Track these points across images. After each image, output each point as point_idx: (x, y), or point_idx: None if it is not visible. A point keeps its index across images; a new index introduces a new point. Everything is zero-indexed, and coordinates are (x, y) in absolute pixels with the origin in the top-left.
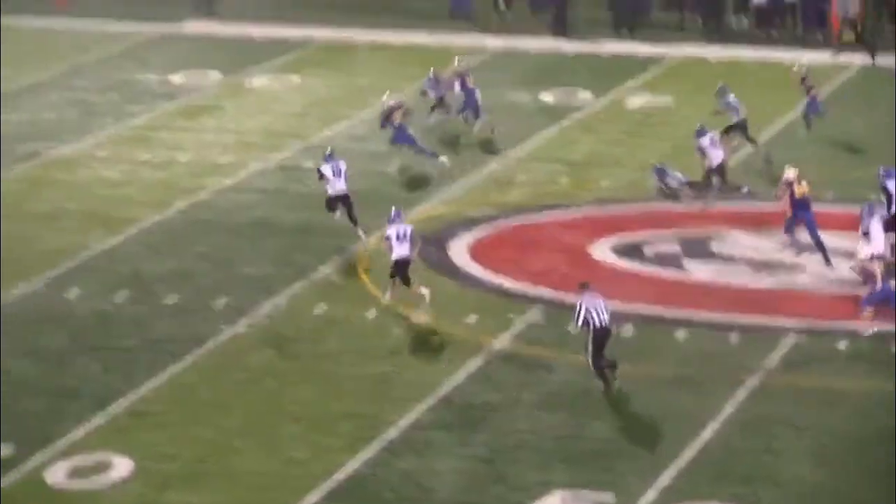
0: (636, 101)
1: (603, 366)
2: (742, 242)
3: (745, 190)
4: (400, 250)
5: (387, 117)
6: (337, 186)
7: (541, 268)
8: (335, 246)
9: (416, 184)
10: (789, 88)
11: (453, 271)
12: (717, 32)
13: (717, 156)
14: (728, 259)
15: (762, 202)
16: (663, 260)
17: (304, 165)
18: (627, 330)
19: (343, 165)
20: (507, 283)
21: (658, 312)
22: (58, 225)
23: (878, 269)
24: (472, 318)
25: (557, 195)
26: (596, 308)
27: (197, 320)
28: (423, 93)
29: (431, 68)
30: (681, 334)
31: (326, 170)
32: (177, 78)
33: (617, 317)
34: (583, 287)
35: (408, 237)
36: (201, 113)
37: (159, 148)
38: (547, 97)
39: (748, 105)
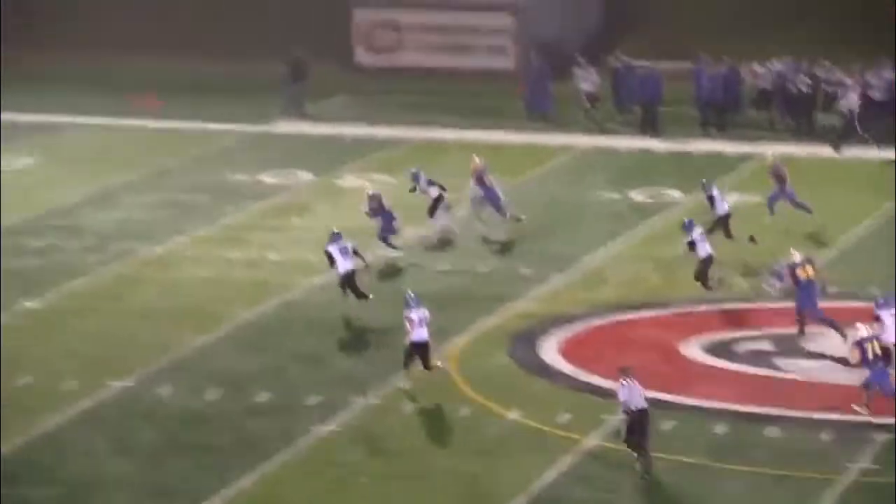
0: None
1: (639, 447)
2: (833, 340)
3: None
4: (420, 333)
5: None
6: (345, 266)
7: (631, 366)
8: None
9: (507, 282)
10: (876, 189)
11: (544, 369)
12: (808, 132)
13: (704, 249)
14: (819, 357)
15: (851, 301)
16: (754, 358)
17: (399, 264)
18: (720, 428)
19: (349, 245)
20: (599, 381)
21: (750, 410)
22: (151, 323)
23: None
24: (563, 417)
25: (648, 293)
26: (634, 393)
27: (288, 418)
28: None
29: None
30: (773, 431)
31: (334, 251)
32: (268, 178)
33: (708, 414)
34: (623, 372)
35: (426, 322)
36: (292, 212)
37: (250, 247)
38: (637, 196)
39: (833, 204)
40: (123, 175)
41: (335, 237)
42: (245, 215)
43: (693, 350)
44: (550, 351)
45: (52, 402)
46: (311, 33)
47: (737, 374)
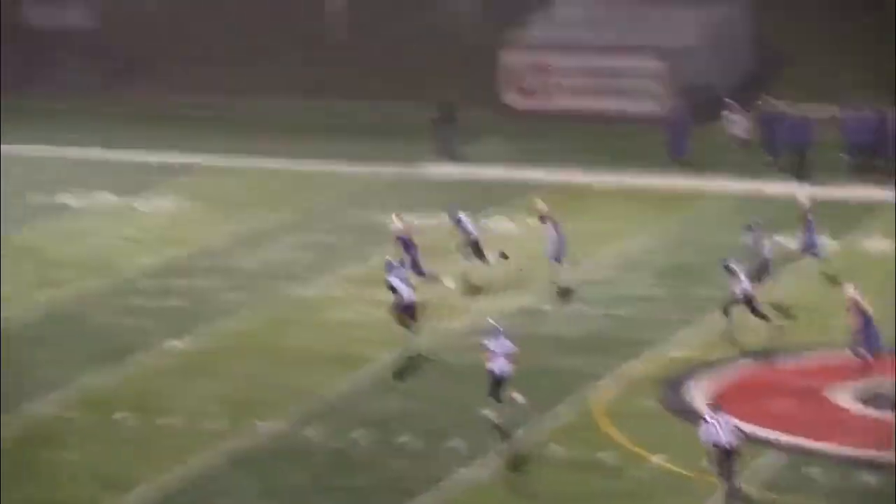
0: (877, 246)
1: (728, 480)
2: None
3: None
4: (498, 365)
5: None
6: (407, 296)
7: (779, 412)
8: (571, 388)
9: (653, 326)
10: None
11: (692, 414)
12: None
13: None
14: None
15: None
16: None
17: (543, 308)
18: (869, 478)
19: (405, 275)
20: (745, 426)
21: None
22: (299, 364)
23: None
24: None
25: (796, 339)
26: (724, 429)
27: (433, 461)
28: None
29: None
30: None
31: (395, 281)
32: (415, 219)
33: (857, 463)
34: (714, 408)
35: (510, 355)
36: (435, 255)
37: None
38: (784, 241)
39: None
40: (273, 216)
41: (391, 268)
42: (391, 257)
43: (843, 397)
44: (697, 395)
45: (200, 443)
46: (461, 76)
47: (888, 421)
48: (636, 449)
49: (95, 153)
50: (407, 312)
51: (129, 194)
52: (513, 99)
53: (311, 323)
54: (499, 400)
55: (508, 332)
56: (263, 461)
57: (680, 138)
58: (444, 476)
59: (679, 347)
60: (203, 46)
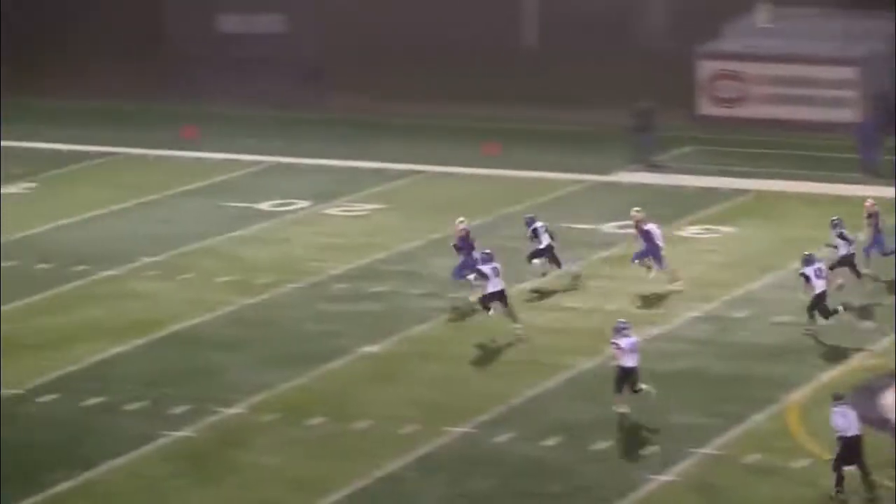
0: None
1: (842, 473)
2: None
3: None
4: (629, 359)
5: (463, 244)
6: (496, 285)
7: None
8: (767, 396)
9: (847, 335)
10: None
11: (884, 423)
12: None
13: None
14: None
15: None
16: None
17: (734, 315)
18: None
19: (498, 265)
20: None
21: None
22: (488, 370)
23: None
24: None
25: None
26: (850, 419)
27: (624, 468)
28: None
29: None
30: None
31: (487, 270)
32: (608, 227)
33: None
34: (837, 399)
35: (636, 348)
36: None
37: (589, 296)
38: None
39: None
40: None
41: (486, 258)
42: (585, 264)
43: None
44: (891, 405)
45: (391, 447)
46: (657, 84)
47: None
48: (827, 456)
49: (289, 160)
50: (497, 300)
51: (323, 201)
52: (707, 107)
53: (503, 329)
54: (620, 392)
55: (698, 338)
56: (454, 466)
57: (871, 147)
58: (638, 484)
59: (875, 356)
60: (394, 52)
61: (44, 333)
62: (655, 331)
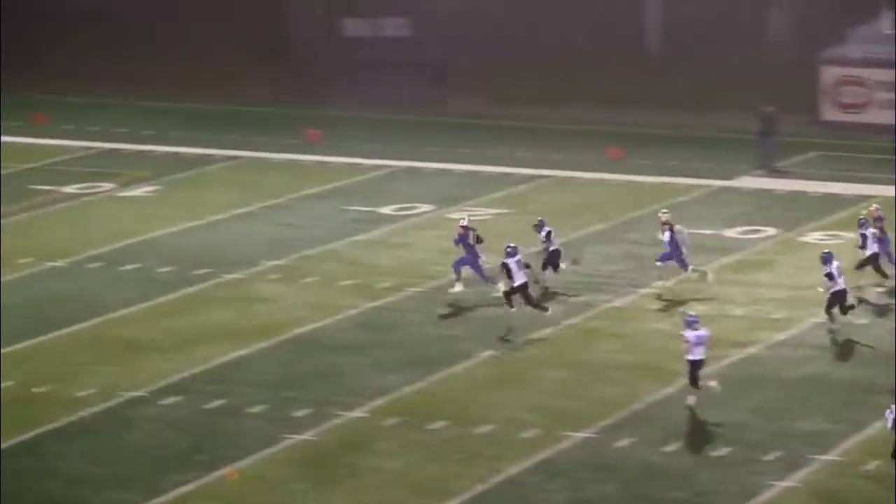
0: None
1: None
2: None
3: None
4: (697, 352)
5: (464, 238)
6: (519, 279)
7: None
8: (888, 402)
9: None
10: None
11: None
12: None
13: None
14: None
15: None
16: None
17: (857, 322)
18: None
19: (521, 258)
20: None
21: None
22: (609, 375)
23: None
24: None
25: None
26: None
27: (745, 474)
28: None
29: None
30: None
31: (512, 264)
32: (731, 232)
33: None
34: None
35: (704, 341)
36: (755, 268)
37: (712, 301)
38: None
39: None
40: (589, 227)
41: (511, 253)
42: (712, 268)
43: None
44: None
45: (512, 452)
46: (781, 89)
47: None
48: None
49: (413, 164)
50: (519, 294)
51: (446, 205)
52: (831, 113)
53: (623, 334)
54: (697, 387)
55: (821, 344)
56: (574, 471)
57: None
58: (758, 490)
59: None
60: (518, 57)
61: (167, 336)
62: (780, 336)
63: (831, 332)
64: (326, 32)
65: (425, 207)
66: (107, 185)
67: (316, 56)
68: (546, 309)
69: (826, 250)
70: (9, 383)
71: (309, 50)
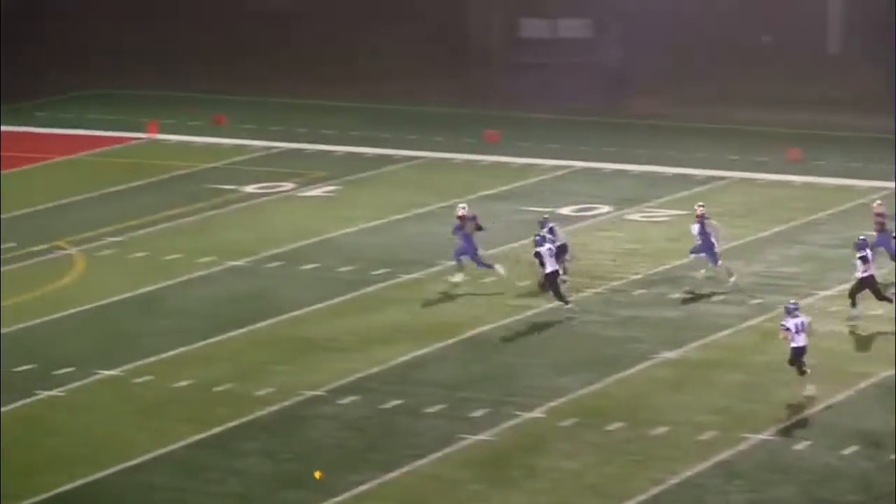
0: None
1: None
2: None
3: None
4: (798, 339)
5: (461, 227)
6: (550, 267)
7: None
8: None
9: None
10: None
11: None
12: None
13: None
14: None
15: None
16: None
17: None
18: None
19: (552, 247)
20: None
21: None
22: (788, 378)
23: None
24: None
25: None
26: None
27: None
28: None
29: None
30: None
31: (544, 252)
32: None
33: None
34: None
35: (804, 328)
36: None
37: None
38: None
39: None
40: (769, 228)
41: (541, 241)
42: (885, 272)
43: None
44: None
45: (690, 454)
46: None
47: None
48: None
49: (592, 164)
50: (548, 281)
51: (625, 206)
52: None
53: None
54: (802, 372)
55: None
56: (753, 473)
57: None
58: None
59: None
60: (697, 57)
61: (345, 335)
62: None
63: (852, 318)
64: (505, 33)
65: (604, 208)
66: (287, 185)
67: (495, 57)
68: (567, 302)
69: (862, 236)
70: (189, 381)
71: (488, 51)
